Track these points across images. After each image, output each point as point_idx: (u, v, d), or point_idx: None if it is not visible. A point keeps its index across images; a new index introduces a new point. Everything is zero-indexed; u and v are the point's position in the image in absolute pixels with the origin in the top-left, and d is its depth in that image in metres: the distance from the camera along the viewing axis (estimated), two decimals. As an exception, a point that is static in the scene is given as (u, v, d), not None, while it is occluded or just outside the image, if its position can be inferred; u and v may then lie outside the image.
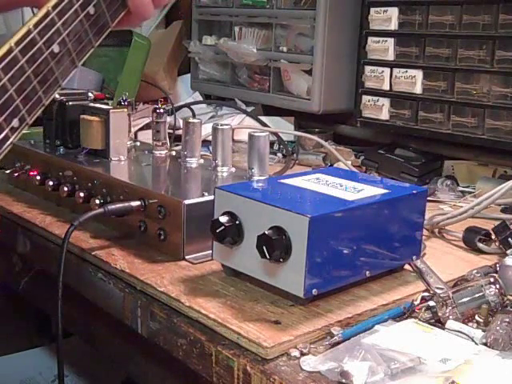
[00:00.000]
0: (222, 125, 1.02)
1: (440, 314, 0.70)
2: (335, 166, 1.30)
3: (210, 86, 1.78)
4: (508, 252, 0.88)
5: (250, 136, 0.97)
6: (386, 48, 1.33)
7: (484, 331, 0.67)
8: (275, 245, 0.70)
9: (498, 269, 0.79)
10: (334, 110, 1.51)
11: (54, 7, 0.52)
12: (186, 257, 0.85)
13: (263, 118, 1.59)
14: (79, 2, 0.54)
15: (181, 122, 1.34)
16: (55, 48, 0.52)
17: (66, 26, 0.53)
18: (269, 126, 1.54)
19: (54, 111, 1.12)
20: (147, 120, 1.47)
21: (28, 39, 0.51)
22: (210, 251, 0.80)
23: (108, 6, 0.57)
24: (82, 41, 0.55)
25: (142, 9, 0.65)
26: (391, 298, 0.76)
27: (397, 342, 0.65)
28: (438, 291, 0.75)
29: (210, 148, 1.07)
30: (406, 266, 0.84)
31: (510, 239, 0.90)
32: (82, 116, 1.06)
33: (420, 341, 0.66)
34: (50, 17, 0.52)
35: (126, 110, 1.07)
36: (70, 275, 0.87)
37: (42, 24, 0.52)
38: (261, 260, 0.71)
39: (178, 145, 1.28)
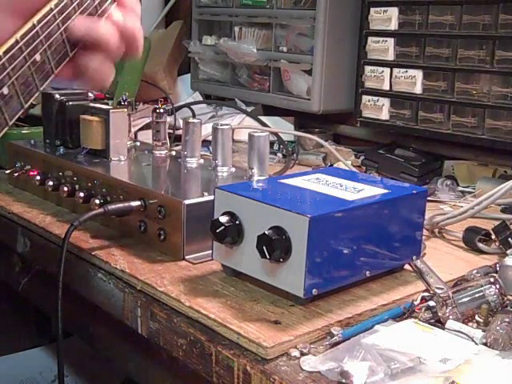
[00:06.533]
0: (222, 125, 1.02)
1: (440, 314, 0.70)
2: (335, 165, 1.30)
3: (210, 86, 1.77)
4: (508, 252, 0.88)
5: (250, 136, 0.97)
6: (386, 48, 1.33)
7: (484, 331, 0.67)
8: (275, 245, 0.70)
9: (497, 269, 0.79)
10: (334, 110, 1.51)
11: (5, 53, 0.56)
12: (186, 257, 0.85)
13: (263, 118, 1.59)
14: (28, 50, 0.58)
15: (181, 122, 1.34)
16: (5, 90, 0.55)
17: (15, 71, 0.56)
18: (269, 126, 1.54)
19: (54, 111, 1.12)
20: (147, 120, 1.47)
21: None
22: (210, 251, 0.80)
23: (52, 54, 0.61)
24: (29, 85, 0.58)
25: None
26: (391, 298, 0.76)
27: (397, 342, 0.65)
28: (438, 291, 0.75)
29: (210, 148, 1.07)
30: (406, 266, 0.84)
31: (509, 239, 0.90)
32: (81, 116, 1.06)
33: (420, 341, 0.66)
34: (1, 62, 0.55)
35: (125, 110, 1.07)
36: (70, 275, 0.87)
37: None
38: (261, 260, 0.71)
39: (178, 145, 1.28)
